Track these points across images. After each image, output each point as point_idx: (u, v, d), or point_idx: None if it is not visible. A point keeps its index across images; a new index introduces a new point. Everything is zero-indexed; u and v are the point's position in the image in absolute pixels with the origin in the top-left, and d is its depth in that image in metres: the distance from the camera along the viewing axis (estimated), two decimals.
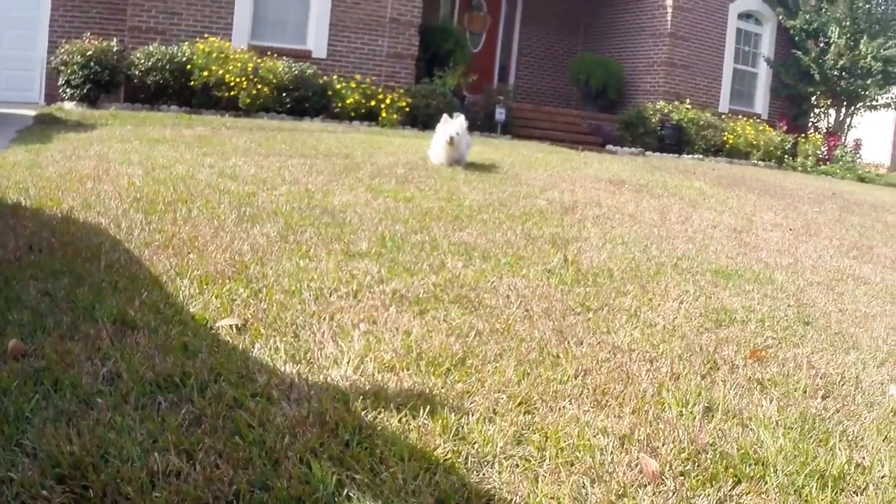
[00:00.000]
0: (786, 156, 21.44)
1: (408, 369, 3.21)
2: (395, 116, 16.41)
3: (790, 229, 8.60)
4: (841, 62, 22.24)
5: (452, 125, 9.93)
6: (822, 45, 22.85)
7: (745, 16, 23.44)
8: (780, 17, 23.09)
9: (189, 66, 14.89)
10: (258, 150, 9.44)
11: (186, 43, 15.41)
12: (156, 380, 2.83)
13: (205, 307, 3.65)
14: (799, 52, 22.79)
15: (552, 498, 2.38)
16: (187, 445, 2.41)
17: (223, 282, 4.05)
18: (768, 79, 23.77)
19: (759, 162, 20.72)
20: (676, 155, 19.32)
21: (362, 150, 10.52)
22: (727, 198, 10.61)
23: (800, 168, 21.01)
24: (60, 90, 14.77)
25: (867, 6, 22.45)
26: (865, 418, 3.29)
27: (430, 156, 10.22)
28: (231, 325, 3.45)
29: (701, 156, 20.00)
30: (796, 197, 12.28)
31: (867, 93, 22.86)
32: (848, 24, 22.29)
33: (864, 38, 22.16)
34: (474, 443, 2.64)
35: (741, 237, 7.63)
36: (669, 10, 21.69)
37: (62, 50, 14.74)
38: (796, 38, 22.98)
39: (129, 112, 13.51)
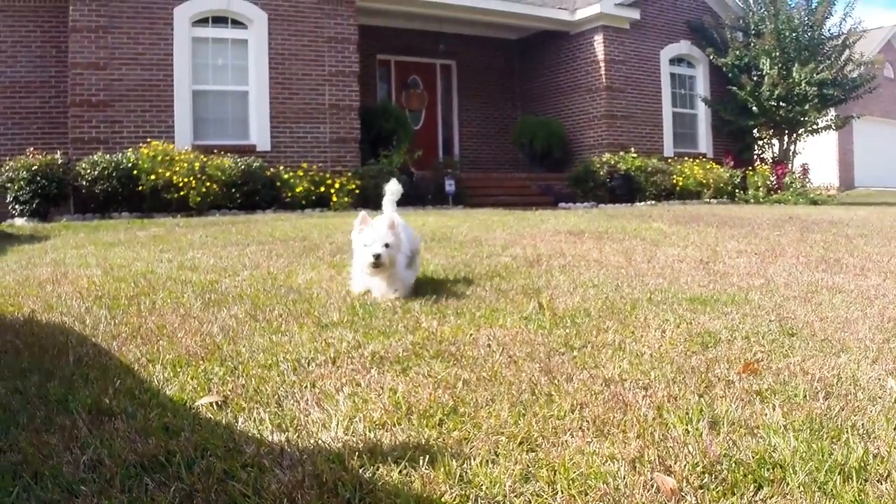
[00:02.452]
0: (737, 190, 21.66)
1: (399, 424, 3.09)
2: (346, 199, 16.41)
3: (755, 254, 8.59)
4: (777, 92, 22.57)
5: (375, 231, 5.76)
6: (755, 78, 23.21)
7: (677, 60, 23.79)
8: (711, 57, 23.45)
9: (135, 172, 14.82)
10: (214, 242, 9.33)
11: (130, 149, 15.37)
12: (140, 462, 2.70)
13: (181, 388, 3.53)
14: (734, 88, 23.13)
15: None
16: None
17: (197, 363, 3.93)
18: (708, 118, 24.08)
19: (712, 200, 20.89)
20: (629, 204, 19.44)
21: (318, 232, 10.44)
22: (687, 233, 10.62)
23: (752, 200, 21.21)
24: (10, 207, 14.64)
25: (794, 34, 22.85)
26: (871, 411, 3.22)
27: (352, 287, 6.09)
28: (211, 403, 3.32)
29: (653, 201, 20.14)
30: (755, 224, 12.32)
31: (806, 118, 23.22)
32: (777, 54, 22.68)
33: (796, 65, 22.54)
34: (481, 485, 2.53)
35: (709, 267, 7.60)
36: (602, 64, 21.98)
37: (7, 167, 14.66)
38: (730, 75, 23.33)
39: (80, 222, 13.38)
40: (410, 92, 23.21)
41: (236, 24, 17.54)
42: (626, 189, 20.54)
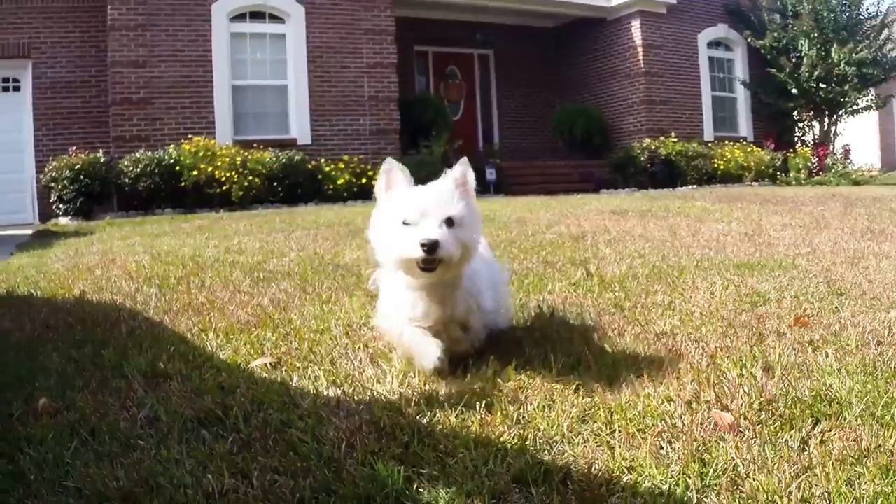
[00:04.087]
0: (778, 172, 21.45)
1: (454, 377, 3.11)
2: None
3: (800, 227, 8.53)
4: (816, 73, 22.35)
5: (426, 196, 3.04)
6: (794, 59, 22.97)
7: (715, 44, 23.60)
8: (749, 40, 23.24)
9: (178, 168, 14.92)
10: (260, 229, 9.40)
11: (172, 145, 15.47)
12: (196, 417, 2.72)
13: (235, 352, 3.56)
14: (773, 70, 22.91)
15: (633, 461, 2.27)
16: (241, 466, 2.30)
17: (249, 331, 3.96)
18: (748, 101, 23.87)
19: (753, 183, 20.71)
20: (670, 188, 19.30)
21: (362, 218, 10.43)
22: (731, 210, 10.57)
23: (794, 182, 21.01)
24: (54, 206, 14.79)
25: (832, 15, 22.62)
26: None
27: (379, 322, 3.57)
28: (265, 364, 3.35)
29: (695, 185, 20.02)
30: (798, 202, 12.23)
31: (847, 98, 22.96)
32: (816, 35, 22.44)
33: (835, 45, 22.30)
34: (539, 427, 2.54)
35: (754, 239, 7.55)
36: (640, 49, 21.85)
37: (51, 167, 14.81)
38: (768, 57, 23.11)
39: (124, 219, 13.51)
40: (449, 82, 23.20)
41: (274, 18, 17.60)
42: (666, 174, 20.42)
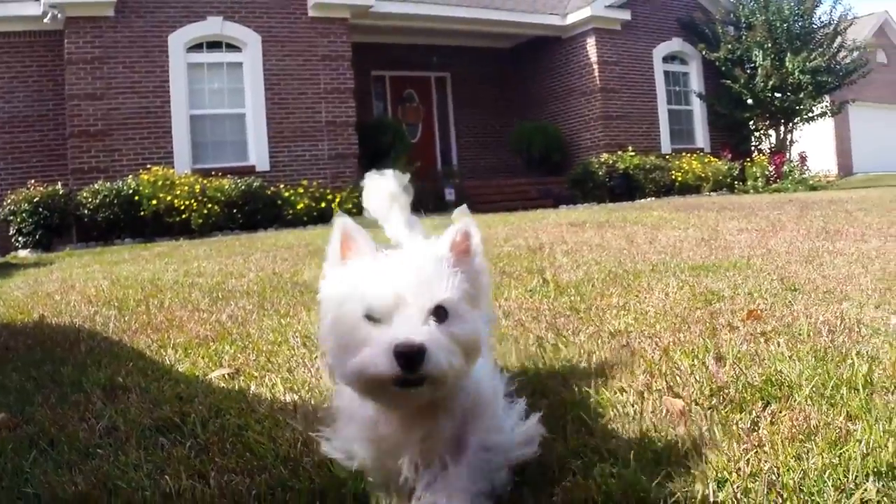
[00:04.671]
0: (736, 182, 21.66)
1: None
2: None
3: (756, 230, 8.64)
4: (771, 82, 22.59)
5: (404, 266, 1.93)
6: (748, 70, 23.21)
7: (670, 58, 23.80)
8: (704, 53, 23.45)
9: (137, 198, 14.86)
10: (219, 254, 9.39)
11: (130, 176, 15.40)
12: (154, 425, 2.74)
13: (193, 365, 3.57)
14: (728, 82, 23.13)
15: (584, 446, 2.30)
16: (198, 468, 2.32)
17: (208, 345, 3.98)
18: (704, 113, 24.08)
19: (711, 193, 20.88)
20: (629, 201, 19.43)
21: (322, 240, 10.39)
22: (688, 218, 10.67)
23: (751, 190, 21.22)
24: (13, 240, 14.68)
25: (785, 24, 22.88)
26: (875, 342, 3.26)
27: (328, 450, 2.22)
28: (223, 375, 3.37)
29: (653, 198, 20.15)
30: (755, 207, 12.36)
31: (802, 106, 23.23)
32: (770, 45, 22.70)
33: (788, 55, 22.55)
34: None
35: (710, 244, 7.63)
36: (596, 66, 22.01)
37: (9, 200, 14.71)
38: (723, 69, 23.32)
39: (84, 250, 13.41)
40: (406, 106, 23.27)
41: (231, 47, 17.57)
42: (625, 187, 20.56)
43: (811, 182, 21.86)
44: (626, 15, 22.36)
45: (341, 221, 2.04)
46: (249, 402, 2.92)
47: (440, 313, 1.86)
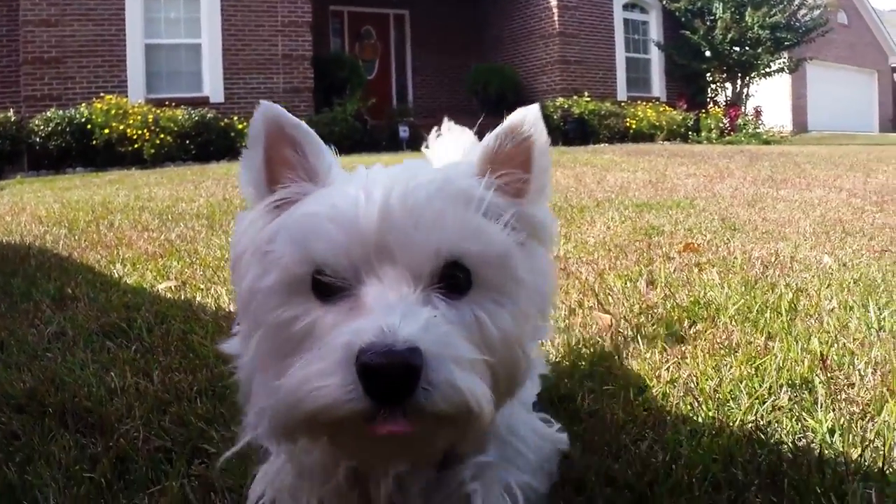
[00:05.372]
0: (690, 132, 21.79)
1: None
2: None
3: (704, 176, 8.76)
4: (730, 35, 22.67)
5: (387, 209, 1.11)
6: (708, 22, 23.26)
7: (630, 6, 23.81)
8: (664, 2, 23.49)
9: (89, 126, 14.73)
10: (170, 181, 9.38)
11: (83, 104, 15.24)
12: (101, 330, 2.81)
13: (141, 278, 3.63)
14: (687, 32, 23.18)
15: None
16: (143, 367, 2.40)
17: (156, 260, 4.03)
18: (662, 62, 24.14)
19: (665, 142, 21.01)
20: (583, 146, 19.54)
21: None
22: (638, 162, 10.78)
23: (705, 141, 21.35)
24: None
25: None
26: (805, 276, 3.38)
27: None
28: (170, 287, 3.43)
29: (607, 144, 20.26)
30: (706, 156, 12.51)
31: (759, 61, 23.34)
32: None
33: (749, 9, 22.64)
34: None
35: (657, 185, 7.75)
36: (555, 10, 21.96)
37: None
38: (683, 20, 23.37)
39: (35, 178, 13.30)
40: (364, 42, 23.11)
41: None
42: (579, 132, 20.61)
43: (765, 136, 22.04)
44: None
45: (269, 111, 1.34)
46: (194, 311, 2.99)
47: (456, 281, 1.12)
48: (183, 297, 3.23)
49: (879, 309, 2.81)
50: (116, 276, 3.70)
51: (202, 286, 3.41)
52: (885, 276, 3.37)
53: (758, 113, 23.54)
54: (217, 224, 5.31)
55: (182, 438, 1.89)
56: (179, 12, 17.30)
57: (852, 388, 2.08)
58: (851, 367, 2.23)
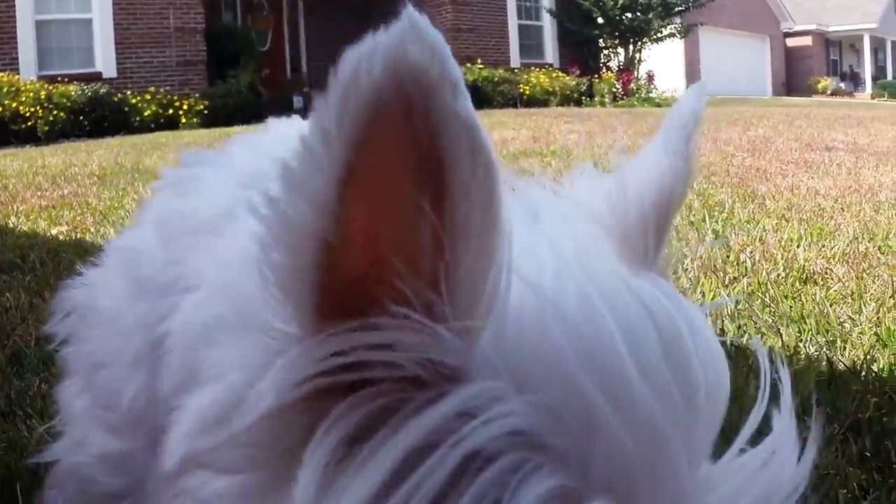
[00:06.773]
0: (583, 97, 22.15)
1: None
2: (195, 120, 16.42)
3: (587, 133, 9.11)
4: (621, 1, 23.08)
5: None
6: None
7: None
8: None
9: None
10: (65, 152, 9.46)
11: None
12: None
13: (34, 225, 3.82)
14: None
15: None
16: (36, 290, 2.61)
17: (49, 210, 4.22)
18: (554, 29, 24.44)
19: (559, 107, 21.39)
20: (477, 111, 19.81)
21: (165, 139, 10.64)
22: (524, 121, 11.11)
23: (598, 106, 21.77)
24: None
25: None
26: None
27: None
28: (62, 231, 3.63)
29: (499, 109, 20.56)
30: (593, 116, 12.90)
31: (650, 26, 23.80)
32: None
33: None
34: None
35: (539, 140, 8.08)
36: None
37: None
38: None
39: None
40: (256, 14, 23.07)
41: None
42: (473, 99, 20.43)
43: (657, 100, 22.49)
44: None
45: (401, 47, 0.47)
46: (85, 248, 3.20)
47: None
48: (74, 238, 3.44)
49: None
50: (11, 225, 3.88)
51: (93, 229, 3.62)
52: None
53: (650, 77, 23.99)
54: (108, 181, 5.49)
55: None
56: None
57: None
58: None
